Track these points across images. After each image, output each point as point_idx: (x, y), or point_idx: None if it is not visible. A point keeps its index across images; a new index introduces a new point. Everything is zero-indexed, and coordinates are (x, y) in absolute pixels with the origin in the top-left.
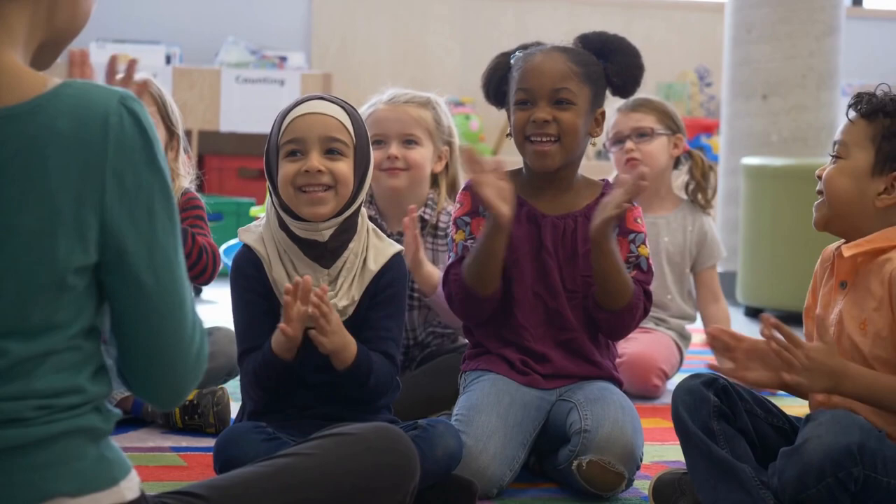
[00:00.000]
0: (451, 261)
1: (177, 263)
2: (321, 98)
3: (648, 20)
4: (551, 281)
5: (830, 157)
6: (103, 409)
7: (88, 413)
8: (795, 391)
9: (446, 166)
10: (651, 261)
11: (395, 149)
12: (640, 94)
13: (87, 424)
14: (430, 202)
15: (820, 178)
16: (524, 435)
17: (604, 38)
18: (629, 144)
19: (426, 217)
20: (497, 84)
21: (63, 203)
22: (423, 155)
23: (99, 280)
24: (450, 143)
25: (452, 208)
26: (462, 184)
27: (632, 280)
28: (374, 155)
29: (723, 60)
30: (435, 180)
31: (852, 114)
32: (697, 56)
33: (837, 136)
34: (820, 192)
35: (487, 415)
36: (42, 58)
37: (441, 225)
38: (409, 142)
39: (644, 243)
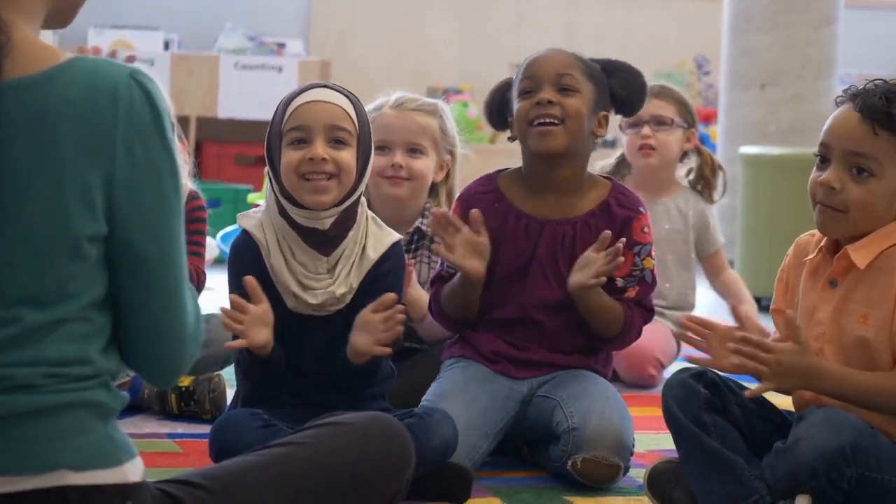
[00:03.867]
0: (435, 273)
1: (178, 236)
2: (325, 86)
3: (648, 9)
4: (540, 295)
5: (854, 172)
6: (111, 387)
7: (97, 388)
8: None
9: (446, 175)
10: (656, 271)
11: (399, 157)
12: (651, 82)
13: (95, 399)
14: (426, 212)
15: (834, 189)
16: (488, 425)
17: (605, 60)
18: (646, 130)
19: (423, 228)
20: (499, 101)
21: (73, 171)
22: (427, 165)
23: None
24: (452, 153)
25: None
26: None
27: (621, 308)
28: (378, 161)
29: (721, 50)
30: (433, 189)
31: (878, 127)
32: (696, 45)
33: (860, 148)
34: (836, 209)
35: (452, 401)
36: (53, 24)
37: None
38: (414, 150)
39: (650, 255)
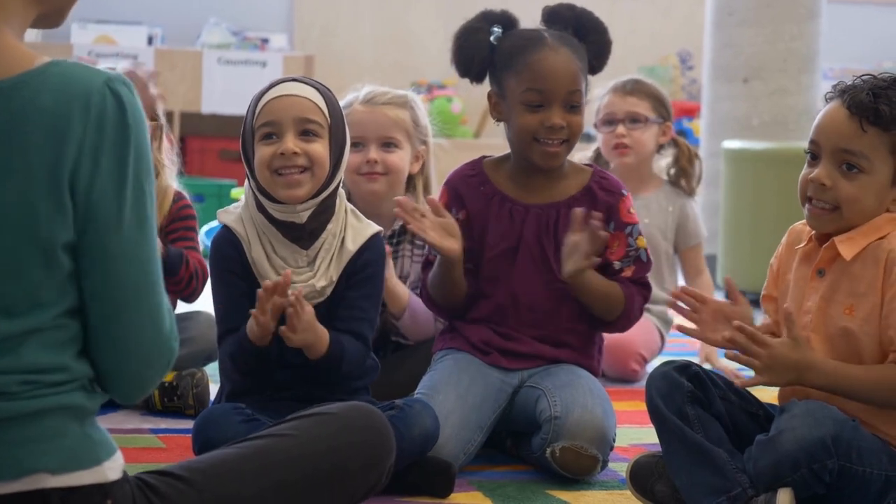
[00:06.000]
0: (424, 259)
1: (146, 250)
2: (294, 80)
3: (631, 3)
4: (529, 279)
5: (843, 169)
6: (89, 388)
7: (74, 391)
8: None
9: (422, 166)
10: (649, 250)
11: (374, 153)
12: (624, 76)
13: (73, 402)
14: None
15: (825, 186)
16: (482, 418)
17: (576, 13)
18: (621, 129)
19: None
20: (480, 64)
21: (42, 178)
22: (402, 158)
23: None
24: (426, 143)
25: None
26: (435, 184)
27: (620, 288)
28: (353, 158)
29: (704, 44)
30: (409, 181)
31: (865, 123)
32: (679, 39)
33: (849, 145)
34: (827, 206)
35: (446, 394)
36: (44, 24)
37: None
38: (388, 145)
39: (640, 234)
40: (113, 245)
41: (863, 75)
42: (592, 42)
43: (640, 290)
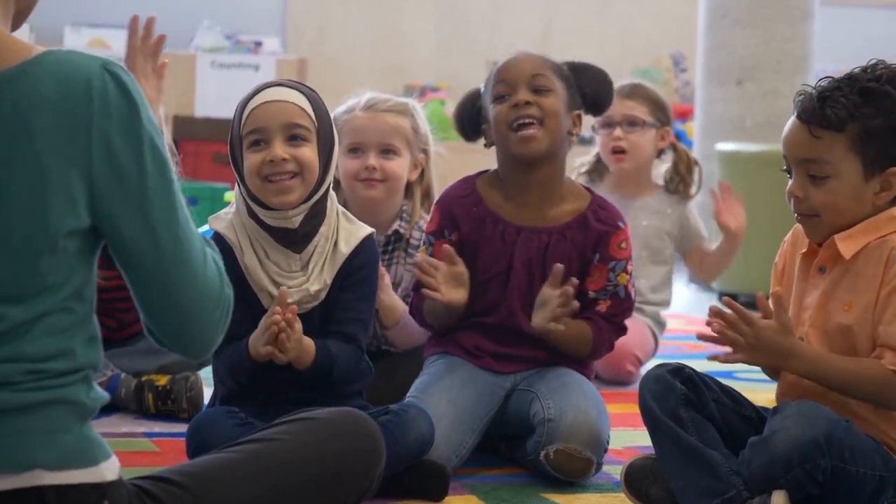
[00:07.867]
0: (416, 280)
1: (175, 220)
2: (279, 84)
3: (624, 5)
4: (520, 300)
5: (810, 177)
6: (92, 384)
7: (77, 384)
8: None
9: (421, 174)
10: (631, 286)
11: (373, 159)
12: (619, 80)
13: (74, 396)
14: (404, 214)
15: (799, 198)
16: (474, 420)
17: (569, 62)
18: (618, 132)
19: (401, 231)
20: (470, 111)
21: (50, 167)
22: (401, 165)
23: (96, 243)
24: (426, 151)
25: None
26: (436, 192)
27: (589, 331)
28: (352, 164)
29: (697, 46)
30: (408, 188)
31: (815, 129)
32: (672, 41)
33: (807, 154)
34: (808, 215)
35: (438, 397)
36: (14, 25)
37: (413, 242)
38: (388, 151)
39: (625, 270)
40: (142, 219)
41: (823, 77)
42: (588, 77)
43: (612, 329)
